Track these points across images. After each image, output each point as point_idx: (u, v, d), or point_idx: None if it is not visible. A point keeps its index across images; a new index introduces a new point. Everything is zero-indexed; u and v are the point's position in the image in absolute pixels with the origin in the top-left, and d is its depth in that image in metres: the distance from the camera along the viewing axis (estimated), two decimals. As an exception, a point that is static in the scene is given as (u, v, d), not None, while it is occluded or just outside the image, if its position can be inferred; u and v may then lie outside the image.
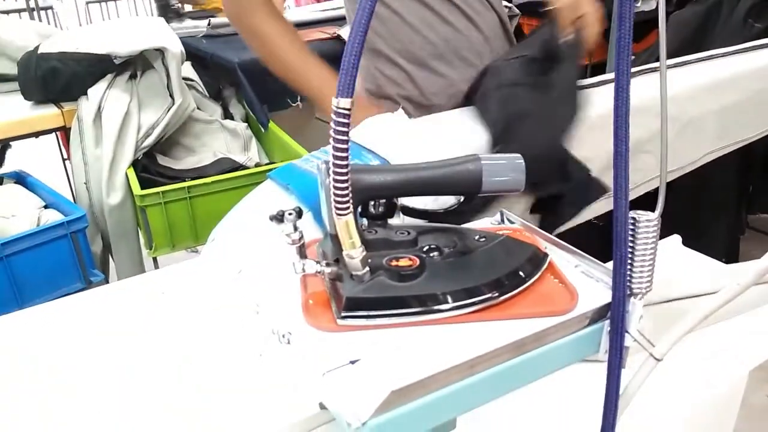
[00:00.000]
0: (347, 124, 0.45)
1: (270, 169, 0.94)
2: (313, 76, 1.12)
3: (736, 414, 1.09)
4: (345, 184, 0.48)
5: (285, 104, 2.11)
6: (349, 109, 0.45)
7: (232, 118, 2.10)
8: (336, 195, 0.49)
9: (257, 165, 1.91)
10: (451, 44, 1.15)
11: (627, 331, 0.55)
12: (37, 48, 1.89)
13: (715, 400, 1.00)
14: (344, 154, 0.46)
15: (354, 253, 0.52)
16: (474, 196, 0.60)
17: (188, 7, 2.64)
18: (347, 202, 0.49)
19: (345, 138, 0.46)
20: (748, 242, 2.20)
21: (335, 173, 0.47)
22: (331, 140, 0.46)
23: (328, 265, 0.55)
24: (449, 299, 0.53)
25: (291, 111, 2.17)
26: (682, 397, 0.95)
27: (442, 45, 1.15)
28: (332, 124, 0.45)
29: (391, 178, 0.57)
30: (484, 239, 0.60)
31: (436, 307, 0.53)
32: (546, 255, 0.61)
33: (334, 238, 0.53)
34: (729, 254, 2.05)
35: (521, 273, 0.57)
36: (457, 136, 0.95)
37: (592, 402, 0.63)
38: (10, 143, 2.36)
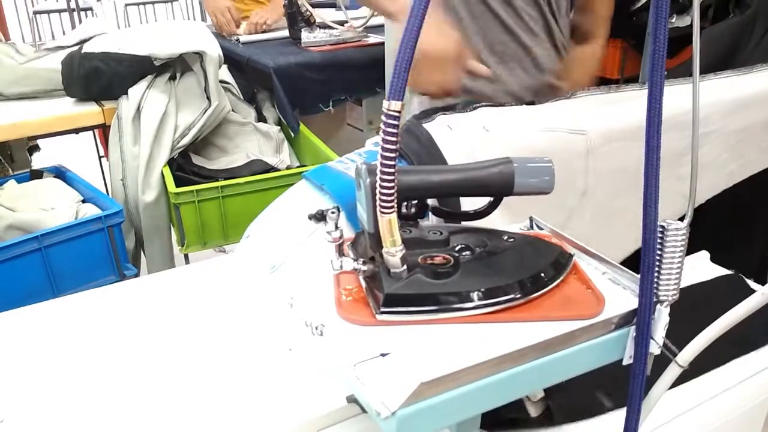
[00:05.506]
0: (397, 126, 0.47)
1: (301, 172, 0.96)
2: None
3: (761, 428, 1.08)
4: (391, 183, 0.50)
5: (318, 109, 2.14)
6: (399, 112, 0.47)
7: (265, 121, 2.14)
8: (382, 194, 0.51)
9: (288, 167, 1.94)
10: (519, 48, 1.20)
11: (652, 338, 0.56)
12: (81, 47, 1.95)
13: (741, 413, 1.00)
14: (392, 155, 0.49)
15: (394, 250, 0.54)
16: (503, 197, 0.62)
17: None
18: (392, 200, 0.51)
19: (394, 139, 0.48)
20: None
21: (383, 172, 0.49)
22: (380, 140, 0.48)
23: (364, 263, 0.57)
24: (483, 296, 0.55)
25: (323, 116, 2.20)
26: (708, 409, 0.95)
27: (515, 47, 1.19)
28: (382, 125, 0.47)
29: (427, 179, 0.59)
30: (512, 239, 0.61)
31: (471, 304, 0.55)
32: (571, 255, 0.63)
33: (372, 237, 0.55)
34: (758, 272, 2.02)
35: (550, 272, 0.59)
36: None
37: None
38: (39, 146, 2.42)
